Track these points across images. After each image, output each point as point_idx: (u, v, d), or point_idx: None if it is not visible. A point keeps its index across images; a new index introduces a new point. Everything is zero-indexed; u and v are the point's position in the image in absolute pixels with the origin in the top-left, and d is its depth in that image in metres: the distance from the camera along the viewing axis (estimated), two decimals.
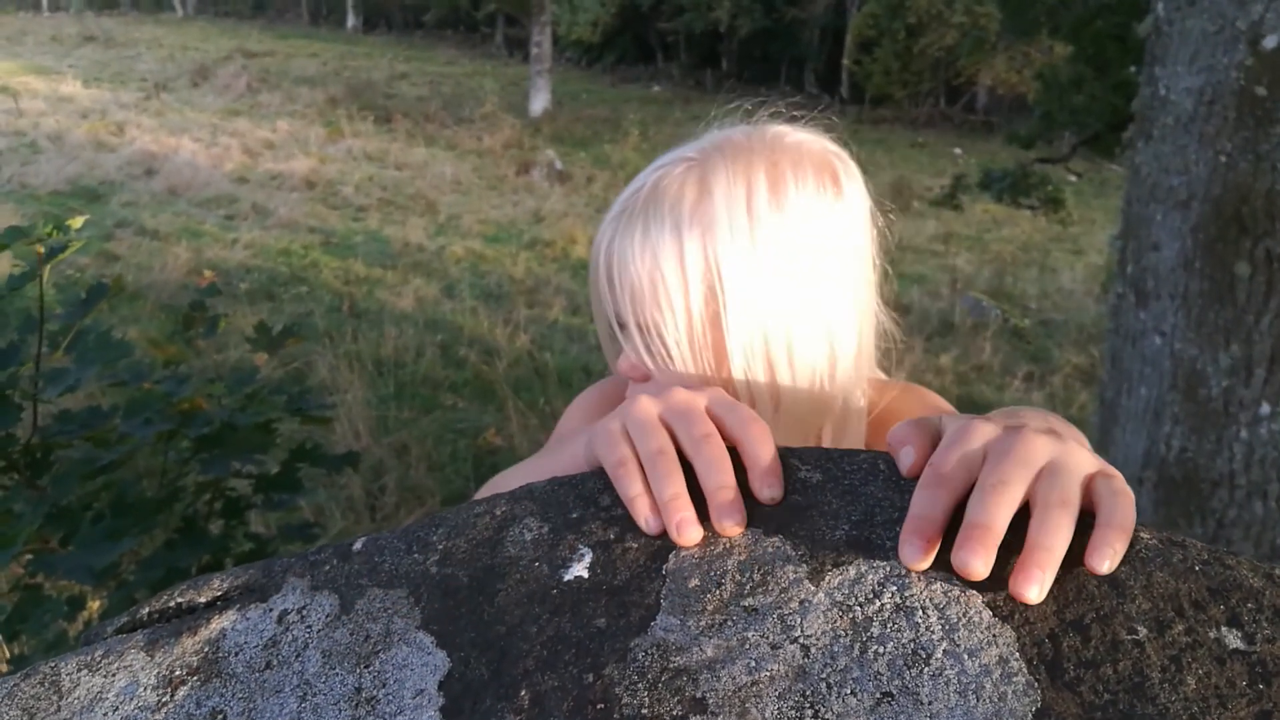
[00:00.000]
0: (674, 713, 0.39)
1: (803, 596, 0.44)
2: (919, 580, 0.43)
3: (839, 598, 0.43)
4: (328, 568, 0.50)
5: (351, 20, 31.24)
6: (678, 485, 0.49)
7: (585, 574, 0.47)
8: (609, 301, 0.72)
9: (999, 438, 0.47)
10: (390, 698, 0.42)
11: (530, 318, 6.24)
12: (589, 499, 0.52)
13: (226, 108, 14.18)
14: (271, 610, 0.47)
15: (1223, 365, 2.15)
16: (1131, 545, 0.45)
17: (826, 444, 0.75)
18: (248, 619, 0.47)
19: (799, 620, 0.42)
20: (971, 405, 5.28)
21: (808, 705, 0.39)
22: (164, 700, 0.43)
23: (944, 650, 0.40)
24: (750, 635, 0.42)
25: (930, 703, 0.38)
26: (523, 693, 0.41)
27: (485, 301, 6.62)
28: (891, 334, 0.79)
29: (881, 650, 0.41)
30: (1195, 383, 2.21)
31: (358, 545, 0.51)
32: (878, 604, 0.43)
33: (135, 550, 1.55)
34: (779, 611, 0.43)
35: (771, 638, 0.42)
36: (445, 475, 4.07)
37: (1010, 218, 10.59)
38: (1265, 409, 2.10)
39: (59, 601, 1.43)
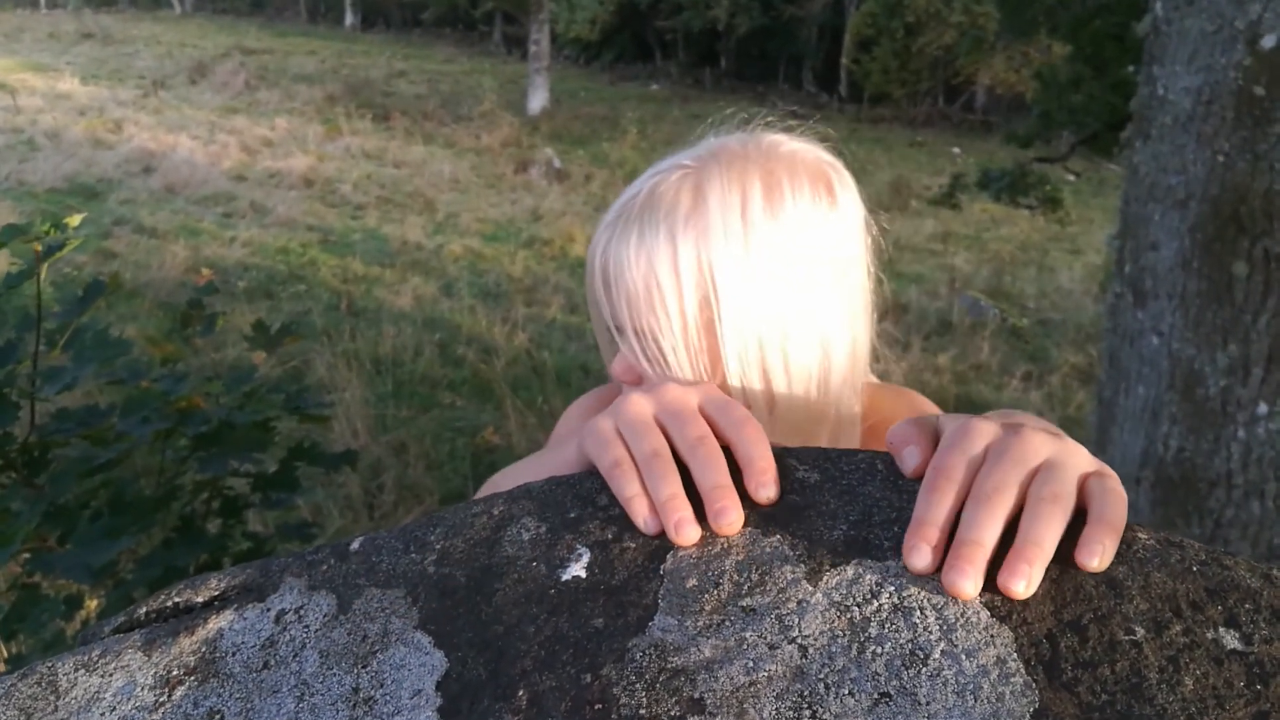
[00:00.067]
0: (672, 713, 0.39)
1: (800, 596, 0.44)
2: (917, 581, 0.43)
3: (837, 598, 0.43)
4: (325, 567, 0.49)
5: (349, 18, 31.18)
6: (674, 485, 0.48)
7: (583, 574, 0.47)
8: (606, 306, 0.72)
9: (999, 438, 0.47)
10: (388, 698, 0.42)
11: (528, 316, 6.24)
12: (587, 499, 0.52)
13: (224, 105, 14.16)
14: (269, 610, 0.47)
15: (1220, 365, 2.15)
16: (1129, 545, 0.45)
17: None
18: (245, 619, 0.47)
19: (797, 620, 0.42)
20: (969, 405, 5.28)
21: (805, 706, 0.39)
22: (161, 700, 0.43)
23: (942, 651, 0.40)
24: (748, 635, 0.42)
25: (928, 703, 0.38)
26: (520, 693, 0.41)
27: (483, 300, 6.62)
28: (878, 350, 0.80)
29: (879, 650, 0.41)
30: (1193, 382, 2.21)
31: (355, 545, 0.51)
32: (875, 604, 0.43)
33: (133, 549, 1.55)
34: (777, 612, 0.43)
35: (769, 638, 0.42)
36: (443, 474, 4.07)
37: (1008, 217, 10.59)
38: (1263, 409, 2.11)
39: (56, 600, 1.43)
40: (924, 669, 0.40)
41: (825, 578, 0.44)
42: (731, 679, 0.40)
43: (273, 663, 0.44)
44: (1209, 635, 0.40)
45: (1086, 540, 0.43)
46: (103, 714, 0.43)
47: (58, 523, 1.37)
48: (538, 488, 0.53)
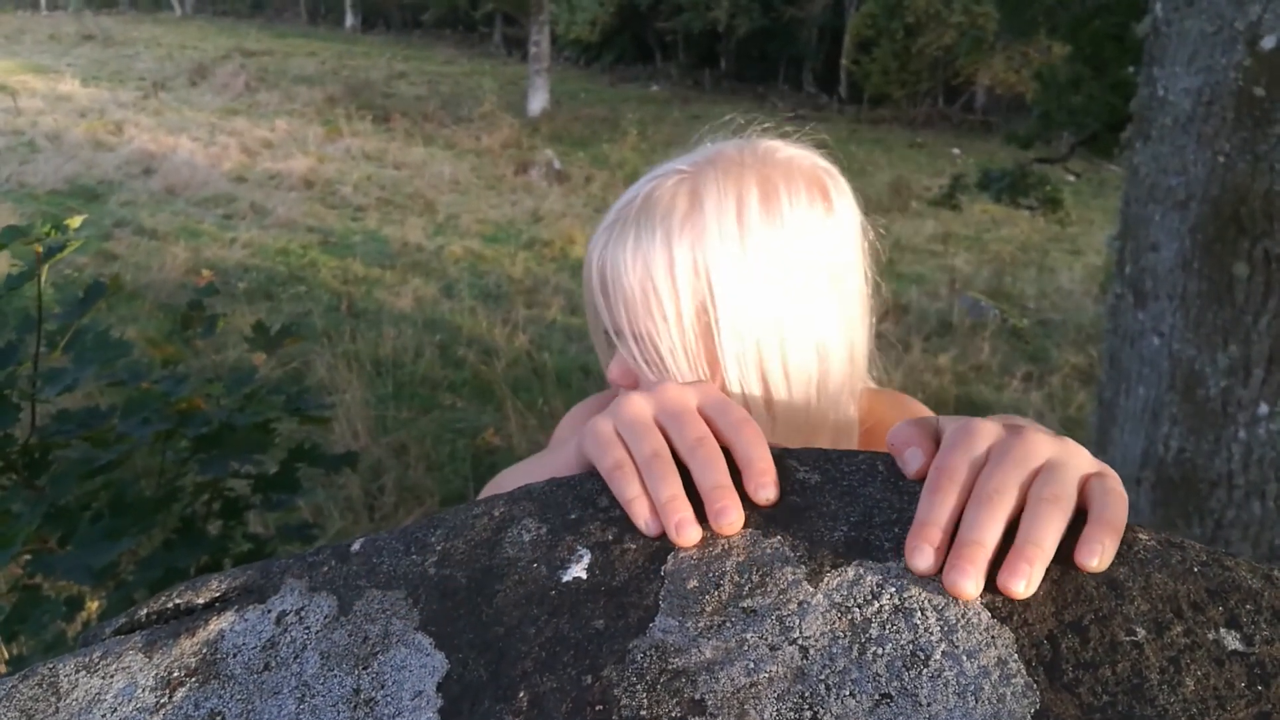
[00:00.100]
0: (672, 714, 0.39)
1: (801, 598, 0.44)
2: (918, 581, 0.43)
3: (838, 599, 0.43)
4: (326, 569, 0.49)
5: (350, 19, 31.20)
6: (675, 486, 0.48)
7: (584, 575, 0.47)
8: (603, 310, 0.72)
9: (1001, 439, 0.47)
10: (389, 699, 0.42)
11: (529, 318, 6.24)
12: (587, 500, 0.52)
13: (225, 107, 14.17)
14: (270, 611, 0.47)
15: (1221, 365, 2.15)
16: (1130, 546, 0.45)
17: None
18: (246, 620, 0.47)
19: (798, 621, 0.42)
20: (970, 405, 5.28)
21: (806, 707, 0.39)
22: (162, 702, 0.43)
23: (943, 652, 0.40)
24: (749, 636, 0.42)
25: (929, 704, 0.38)
26: (521, 694, 0.41)
27: (484, 301, 6.62)
28: (875, 355, 0.80)
29: (880, 652, 0.41)
30: (1193, 383, 2.21)
31: (356, 546, 0.51)
32: (876, 605, 0.43)
33: (134, 550, 1.55)
34: (778, 613, 0.43)
35: (770, 639, 0.42)
36: (444, 475, 4.07)
37: (1009, 218, 10.60)
38: (1263, 409, 2.11)
39: (57, 602, 1.43)
40: (925, 670, 0.40)
41: (826, 579, 0.44)
42: (732, 680, 0.40)
43: (274, 664, 0.44)
44: (1210, 636, 0.40)
45: (1086, 540, 0.43)
46: (104, 715, 0.43)
47: (58, 524, 1.37)
48: (538, 489, 0.53)
